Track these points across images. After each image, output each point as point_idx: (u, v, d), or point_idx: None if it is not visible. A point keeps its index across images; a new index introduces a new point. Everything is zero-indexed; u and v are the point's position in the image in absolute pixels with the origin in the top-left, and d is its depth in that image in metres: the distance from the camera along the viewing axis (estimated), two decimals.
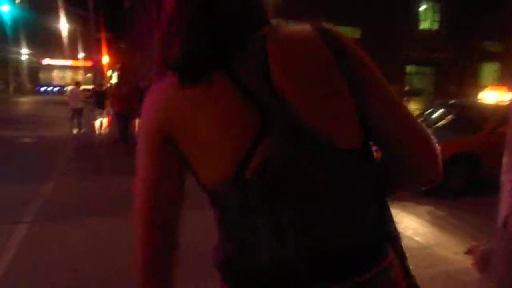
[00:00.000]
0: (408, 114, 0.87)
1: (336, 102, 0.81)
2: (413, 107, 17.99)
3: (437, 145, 0.88)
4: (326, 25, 0.85)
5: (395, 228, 0.90)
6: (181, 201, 0.85)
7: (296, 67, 0.81)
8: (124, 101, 11.10)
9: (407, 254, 0.91)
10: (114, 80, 30.79)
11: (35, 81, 52.89)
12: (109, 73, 31.18)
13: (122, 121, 11.34)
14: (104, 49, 16.39)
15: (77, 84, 14.12)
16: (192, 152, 0.81)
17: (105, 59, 16.40)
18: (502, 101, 7.71)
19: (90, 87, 20.64)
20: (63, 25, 46.30)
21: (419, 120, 0.90)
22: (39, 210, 5.23)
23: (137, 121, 10.28)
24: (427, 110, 8.36)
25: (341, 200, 0.81)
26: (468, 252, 2.68)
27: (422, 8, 20.85)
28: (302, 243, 0.79)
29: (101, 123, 12.95)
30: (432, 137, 0.87)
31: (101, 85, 15.57)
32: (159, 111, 0.82)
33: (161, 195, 0.83)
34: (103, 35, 16.30)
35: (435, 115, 7.77)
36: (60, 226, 4.65)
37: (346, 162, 0.81)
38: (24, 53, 50.22)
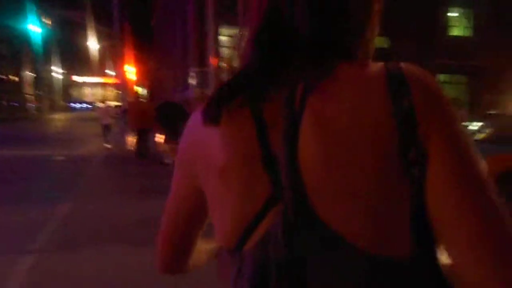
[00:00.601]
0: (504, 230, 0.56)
1: (375, 191, 0.57)
2: None
3: None
4: (403, 65, 0.61)
5: None
6: (201, 224, 0.80)
7: (331, 135, 0.59)
8: (142, 117, 10.97)
9: None
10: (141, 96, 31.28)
11: (68, 98, 54.69)
12: (136, 89, 31.74)
13: (140, 137, 11.25)
14: (131, 66, 16.55)
15: (105, 102, 15.83)
16: (208, 198, 0.71)
17: (132, 76, 16.57)
18: None
19: (117, 103, 21.12)
20: (92, 44, 47.59)
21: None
22: (51, 236, 4.79)
23: (156, 138, 10.15)
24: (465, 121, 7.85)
25: None
26: None
27: (452, 14, 20.36)
28: None
29: (129, 140, 12.97)
30: None
31: (128, 102, 15.92)
32: (186, 143, 0.75)
33: (181, 217, 0.79)
34: (129, 53, 16.49)
35: (473, 127, 7.23)
36: (73, 255, 4.24)
37: (378, 271, 0.58)
38: (56, 71, 52.01)
